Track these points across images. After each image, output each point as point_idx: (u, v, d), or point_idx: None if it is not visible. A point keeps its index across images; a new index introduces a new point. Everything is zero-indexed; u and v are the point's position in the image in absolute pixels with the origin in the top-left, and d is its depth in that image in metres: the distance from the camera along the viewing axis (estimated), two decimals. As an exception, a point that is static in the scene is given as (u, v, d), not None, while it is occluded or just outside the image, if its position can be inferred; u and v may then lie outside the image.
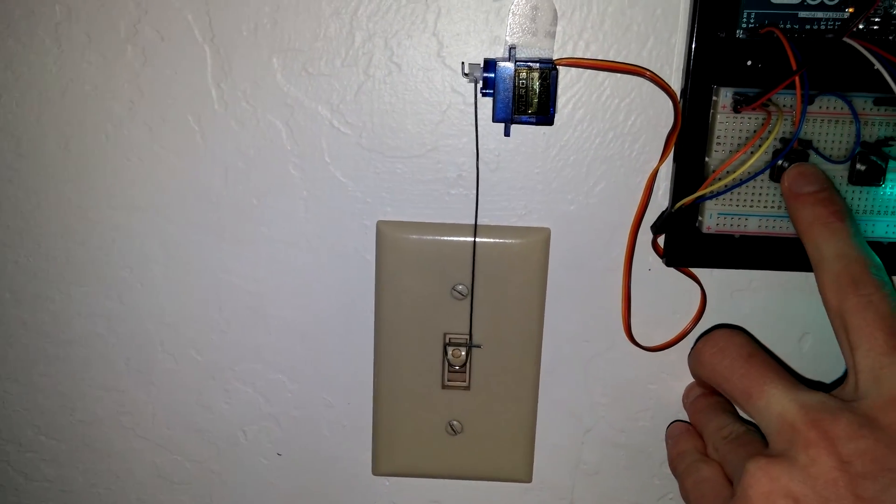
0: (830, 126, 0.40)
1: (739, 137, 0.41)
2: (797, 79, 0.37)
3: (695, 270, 0.46)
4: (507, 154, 0.45)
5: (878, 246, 0.42)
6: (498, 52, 0.43)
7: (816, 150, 0.40)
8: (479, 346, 0.47)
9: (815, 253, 0.37)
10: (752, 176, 0.40)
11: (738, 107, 0.39)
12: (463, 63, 0.43)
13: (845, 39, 0.37)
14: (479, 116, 0.43)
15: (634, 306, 0.47)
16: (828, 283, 0.36)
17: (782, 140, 0.40)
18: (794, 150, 0.40)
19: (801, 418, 0.35)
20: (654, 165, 0.43)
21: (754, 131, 0.39)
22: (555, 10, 0.41)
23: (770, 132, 0.38)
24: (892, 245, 0.42)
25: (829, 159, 0.40)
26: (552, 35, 0.42)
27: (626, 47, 0.42)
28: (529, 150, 0.44)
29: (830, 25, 0.40)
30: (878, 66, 0.36)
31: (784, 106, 0.40)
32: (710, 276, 0.46)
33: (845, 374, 0.37)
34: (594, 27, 0.42)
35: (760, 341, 0.47)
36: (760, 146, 0.39)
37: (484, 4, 0.42)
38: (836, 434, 0.34)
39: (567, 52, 0.43)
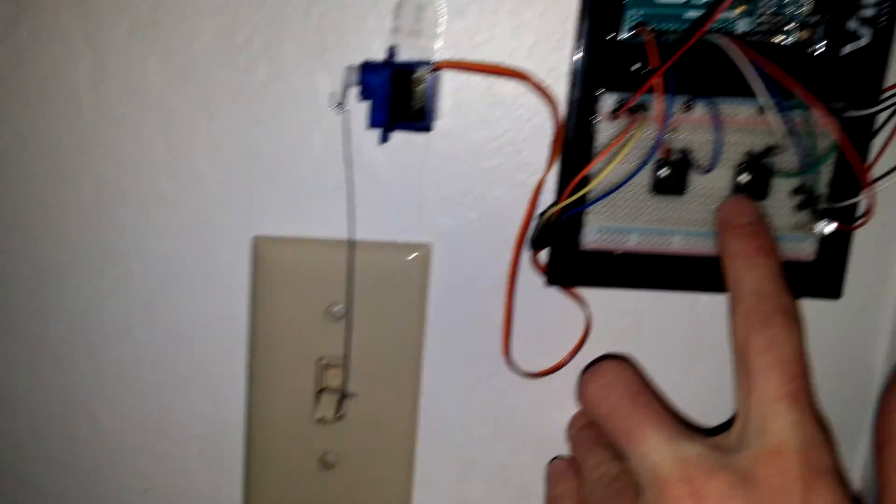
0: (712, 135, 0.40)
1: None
2: (657, 82, 0.36)
3: (582, 292, 0.44)
4: (386, 164, 0.43)
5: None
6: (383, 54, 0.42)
7: (688, 161, 0.39)
8: (355, 395, 0.45)
9: (734, 287, 0.37)
10: (617, 186, 0.39)
11: (615, 113, 0.39)
12: (331, 94, 0.41)
13: (710, 39, 0.37)
14: (356, 123, 0.41)
15: (519, 329, 0.45)
16: (737, 319, 0.36)
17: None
18: (669, 161, 0.39)
19: (674, 473, 0.33)
20: (540, 177, 0.42)
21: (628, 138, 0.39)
22: (439, 11, 0.41)
23: (628, 140, 0.37)
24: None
25: (699, 169, 0.39)
26: (436, 37, 0.41)
27: (515, 51, 0.41)
28: (408, 159, 0.43)
29: (717, 26, 0.39)
30: (743, 69, 0.35)
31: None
32: (595, 298, 0.44)
33: (734, 417, 0.36)
34: (483, 29, 0.41)
35: (648, 367, 0.45)
36: (617, 154, 0.38)
37: (368, 4, 0.41)
38: (708, 493, 0.32)
39: (454, 55, 0.41)
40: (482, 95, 0.42)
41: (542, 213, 0.40)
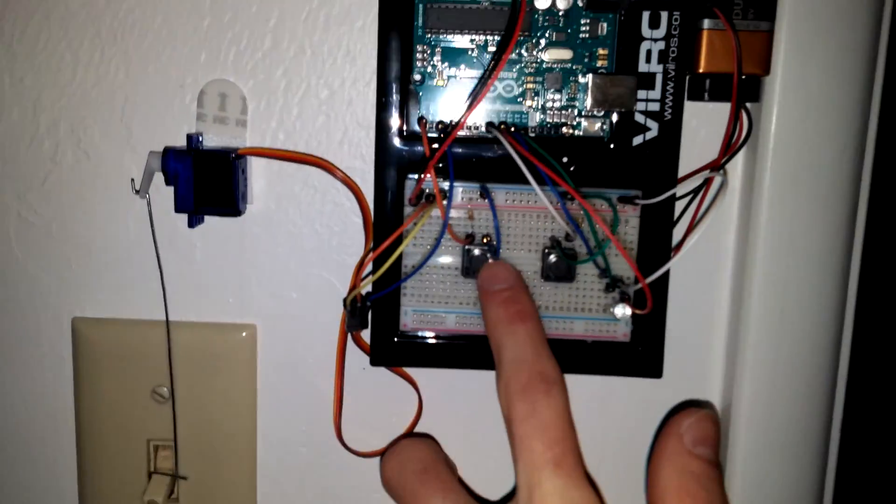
0: (519, 219, 0.40)
1: (426, 230, 0.39)
2: (431, 172, 0.36)
3: (412, 369, 0.44)
4: (204, 246, 0.43)
5: (579, 345, 0.41)
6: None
7: (489, 246, 0.39)
8: (184, 478, 0.44)
9: (496, 355, 0.36)
10: (415, 270, 0.39)
11: (410, 199, 0.38)
12: (132, 180, 0.41)
13: (488, 132, 0.37)
14: (163, 207, 0.41)
15: (353, 409, 0.44)
16: (500, 388, 0.35)
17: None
18: (481, 245, 0.39)
19: None
20: (359, 258, 0.42)
21: (414, 224, 0.38)
22: (244, 98, 0.40)
23: (415, 223, 0.37)
24: (592, 344, 0.41)
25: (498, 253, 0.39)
26: (243, 123, 0.41)
27: (323, 137, 0.42)
28: (225, 242, 0.43)
29: (511, 119, 0.40)
30: (516, 159, 0.35)
31: (462, 200, 0.39)
32: (426, 376, 0.44)
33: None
34: (294, 118, 0.41)
35: (483, 442, 0.45)
36: (402, 239, 0.37)
37: (171, 91, 0.41)
38: None
39: (263, 141, 0.41)
40: (296, 179, 0.42)
41: (345, 299, 0.40)
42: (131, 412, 0.45)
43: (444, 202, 0.37)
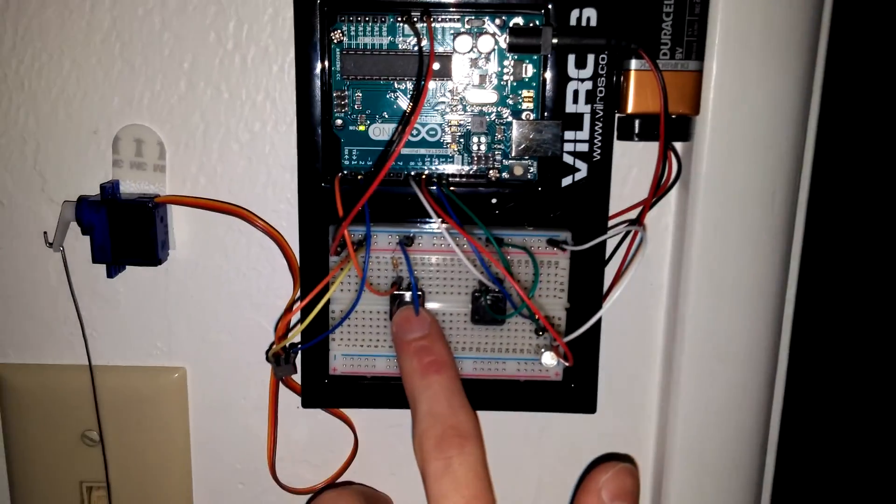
0: (447, 263, 0.39)
1: (352, 275, 0.39)
2: (343, 229, 0.35)
3: (345, 409, 0.43)
4: (128, 293, 0.42)
5: (512, 384, 0.41)
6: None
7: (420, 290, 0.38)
8: None
9: (411, 406, 0.36)
10: (338, 324, 0.38)
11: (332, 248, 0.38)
12: (45, 233, 0.39)
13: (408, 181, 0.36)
14: (83, 255, 0.40)
15: (288, 447, 0.44)
16: (415, 443, 0.35)
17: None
18: (400, 296, 0.38)
19: None
20: (287, 300, 0.41)
21: (334, 279, 0.37)
22: (161, 143, 0.39)
23: (337, 276, 0.36)
24: (525, 383, 0.41)
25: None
26: (162, 169, 0.39)
27: (246, 181, 0.41)
28: (150, 287, 0.42)
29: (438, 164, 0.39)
30: (436, 220, 0.35)
31: (390, 244, 0.38)
32: (361, 414, 0.43)
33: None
34: (210, 160, 0.40)
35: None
36: (325, 292, 0.37)
37: (85, 138, 0.40)
38: None
39: (184, 186, 0.40)
40: (219, 224, 0.41)
41: (267, 352, 0.39)
42: (62, 456, 0.44)
43: (362, 257, 0.36)
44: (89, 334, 0.41)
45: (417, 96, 0.37)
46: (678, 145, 0.39)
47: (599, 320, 0.38)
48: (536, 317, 0.37)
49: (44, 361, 0.43)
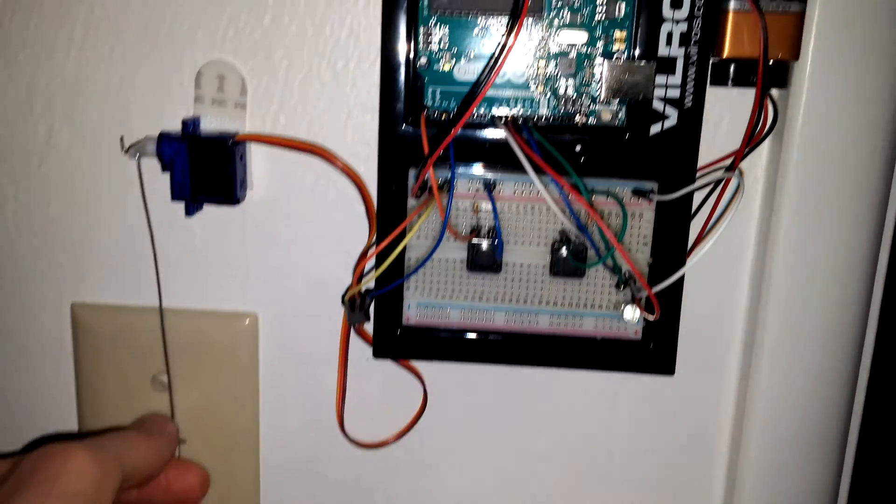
0: (527, 212, 0.38)
1: (431, 221, 0.38)
2: (430, 169, 0.35)
3: (416, 361, 0.42)
4: (204, 233, 0.42)
5: (588, 342, 0.40)
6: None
7: (491, 239, 0.37)
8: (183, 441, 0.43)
9: None
10: (416, 268, 0.37)
11: (412, 190, 0.37)
12: (122, 138, 0.39)
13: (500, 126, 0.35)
14: (161, 194, 0.39)
15: (357, 399, 0.43)
16: None
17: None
18: (488, 239, 0.37)
19: None
20: (363, 247, 0.40)
21: (416, 219, 0.37)
22: (243, 80, 0.39)
23: (419, 216, 0.35)
24: (602, 341, 0.40)
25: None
26: (242, 106, 0.39)
27: (325, 121, 0.40)
28: (225, 229, 0.41)
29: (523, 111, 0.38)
30: (523, 161, 0.34)
31: (470, 190, 0.37)
32: (431, 368, 0.42)
33: None
34: (291, 99, 0.40)
35: (485, 439, 0.44)
36: (405, 235, 0.36)
37: (168, 72, 0.39)
38: None
39: (264, 125, 0.40)
40: (298, 165, 0.40)
41: (343, 297, 0.38)
42: (133, 398, 0.44)
43: (445, 199, 0.35)
44: (164, 275, 0.41)
45: (508, 33, 0.36)
46: (774, 93, 0.37)
47: (683, 276, 0.37)
48: (624, 270, 0.36)
49: (118, 302, 0.42)
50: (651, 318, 0.36)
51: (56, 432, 0.45)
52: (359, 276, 0.38)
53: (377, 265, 0.37)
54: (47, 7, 0.38)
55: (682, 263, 0.37)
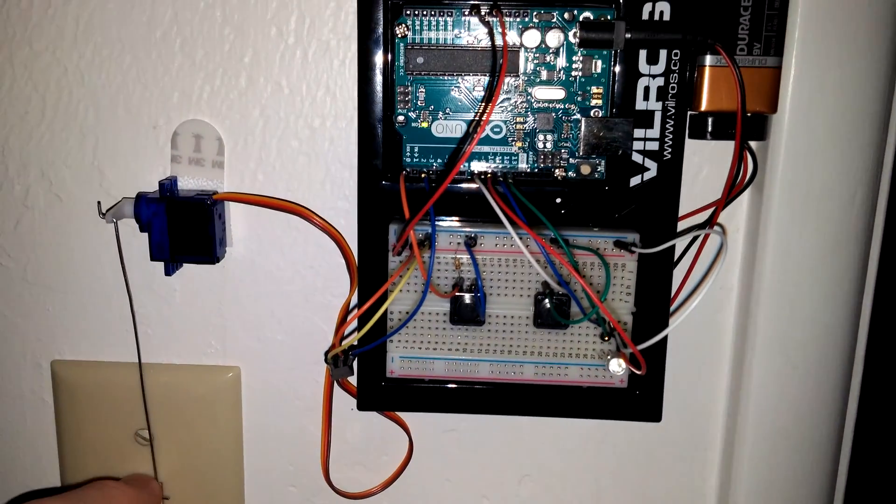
0: (510, 265, 0.38)
1: (413, 276, 0.38)
2: (411, 231, 0.34)
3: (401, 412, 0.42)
4: (184, 290, 0.41)
5: (574, 390, 0.39)
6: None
7: (474, 292, 0.37)
8: (167, 498, 0.43)
9: None
10: (399, 327, 0.37)
11: (394, 248, 0.37)
12: (98, 203, 0.39)
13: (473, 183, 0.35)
14: (140, 251, 0.39)
15: (342, 449, 0.43)
16: None
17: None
18: (471, 293, 0.37)
19: None
20: (344, 300, 0.40)
21: (397, 280, 0.36)
22: (220, 139, 0.38)
23: (401, 277, 0.35)
24: (588, 389, 0.40)
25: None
26: (220, 165, 0.39)
27: (304, 178, 0.40)
28: (204, 286, 0.41)
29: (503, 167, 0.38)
30: (503, 219, 0.33)
31: (451, 244, 0.37)
32: (416, 417, 0.42)
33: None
34: (269, 156, 0.40)
35: (478, 484, 0.44)
36: (390, 293, 0.36)
37: (144, 133, 0.39)
38: None
39: (242, 183, 0.40)
40: (277, 221, 0.40)
41: (327, 353, 0.38)
42: (114, 454, 0.44)
43: (426, 255, 0.35)
44: (144, 332, 0.41)
45: (486, 93, 0.36)
46: (752, 144, 0.37)
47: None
48: (609, 322, 0.36)
49: (98, 359, 0.42)
50: (638, 373, 0.35)
51: (39, 488, 0.45)
52: (341, 336, 0.38)
53: (359, 327, 0.37)
54: (18, 71, 0.38)
55: (666, 312, 0.37)
